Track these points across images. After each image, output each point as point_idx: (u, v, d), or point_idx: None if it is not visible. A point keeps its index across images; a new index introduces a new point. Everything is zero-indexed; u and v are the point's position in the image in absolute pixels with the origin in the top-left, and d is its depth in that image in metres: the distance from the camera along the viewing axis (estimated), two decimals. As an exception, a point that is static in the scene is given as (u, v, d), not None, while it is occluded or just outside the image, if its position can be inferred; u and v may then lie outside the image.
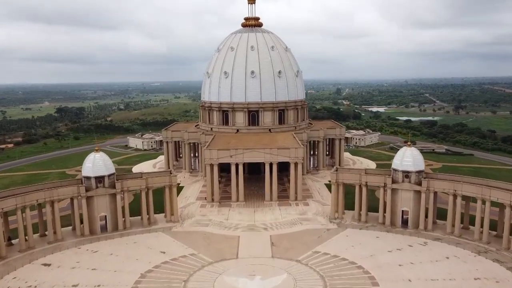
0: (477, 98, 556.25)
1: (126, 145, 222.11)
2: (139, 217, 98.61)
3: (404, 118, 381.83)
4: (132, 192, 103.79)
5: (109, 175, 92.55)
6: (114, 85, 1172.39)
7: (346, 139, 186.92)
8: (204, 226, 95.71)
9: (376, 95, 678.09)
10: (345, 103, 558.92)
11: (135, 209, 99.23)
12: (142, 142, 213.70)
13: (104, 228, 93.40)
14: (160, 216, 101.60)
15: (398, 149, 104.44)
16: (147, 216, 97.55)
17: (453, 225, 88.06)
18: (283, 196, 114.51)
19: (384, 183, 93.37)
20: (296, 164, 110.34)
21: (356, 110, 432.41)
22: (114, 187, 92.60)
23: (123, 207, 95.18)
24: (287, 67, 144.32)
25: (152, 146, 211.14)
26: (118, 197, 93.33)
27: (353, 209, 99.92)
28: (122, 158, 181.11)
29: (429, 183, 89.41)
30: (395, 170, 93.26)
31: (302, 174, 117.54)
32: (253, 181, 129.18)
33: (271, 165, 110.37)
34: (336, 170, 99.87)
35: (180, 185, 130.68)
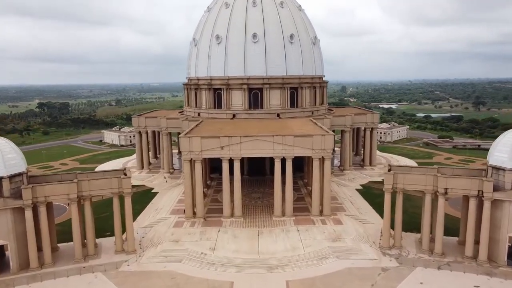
0: (493, 95, 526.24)
1: (101, 141, 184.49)
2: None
3: (421, 114, 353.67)
4: (57, 203, 65.84)
5: (11, 177, 54.59)
6: (112, 85, 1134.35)
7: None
8: (174, 262, 57.61)
9: (384, 93, 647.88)
10: (351, 100, 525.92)
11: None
12: (119, 136, 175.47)
13: (6, 266, 55.61)
14: (111, 240, 64.08)
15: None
16: (81, 242, 59.78)
17: None
18: (300, 208, 76.32)
19: (479, 191, 55.39)
20: (322, 159, 72.16)
21: (367, 107, 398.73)
22: (20, 196, 54.66)
23: (40, 230, 57.37)
24: (302, 30, 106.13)
25: (130, 141, 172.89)
26: (28, 213, 55.25)
27: (409, 229, 63.57)
28: (88, 155, 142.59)
29: None
30: (497, 169, 55.25)
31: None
32: (256, 185, 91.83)
33: (283, 161, 72.25)
34: (390, 170, 61.99)
35: (153, 191, 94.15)
